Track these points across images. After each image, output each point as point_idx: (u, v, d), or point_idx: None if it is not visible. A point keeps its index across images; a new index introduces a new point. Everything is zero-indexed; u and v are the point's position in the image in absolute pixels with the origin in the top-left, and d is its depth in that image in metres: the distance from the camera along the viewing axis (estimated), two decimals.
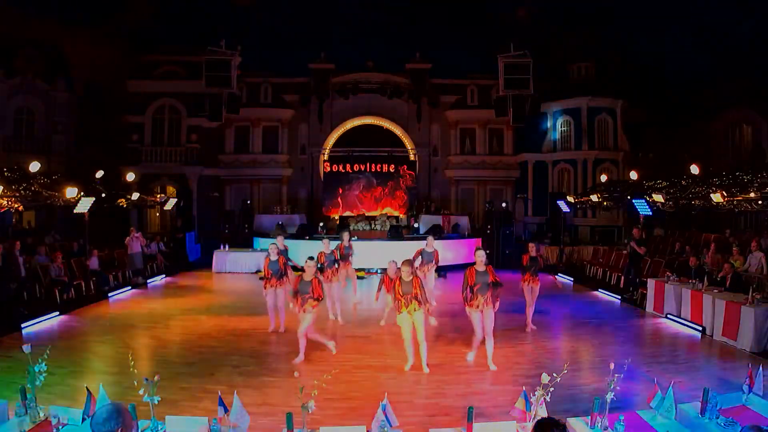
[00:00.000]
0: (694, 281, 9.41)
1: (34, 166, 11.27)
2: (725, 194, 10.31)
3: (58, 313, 9.46)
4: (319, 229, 18.05)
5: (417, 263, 9.80)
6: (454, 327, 8.99)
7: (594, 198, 15.86)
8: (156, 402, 3.81)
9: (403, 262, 6.67)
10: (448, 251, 15.87)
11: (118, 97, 20.30)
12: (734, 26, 15.88)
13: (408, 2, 22.27)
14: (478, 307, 6.48)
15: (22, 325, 8.43)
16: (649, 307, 10.22)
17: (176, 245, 17.15)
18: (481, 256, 6.61)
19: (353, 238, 14.90)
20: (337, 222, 19.35)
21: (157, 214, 20.66)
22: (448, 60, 21.96)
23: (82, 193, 12.14)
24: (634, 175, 15.18)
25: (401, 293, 6.45)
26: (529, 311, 8.60)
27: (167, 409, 4.65)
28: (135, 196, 15.48)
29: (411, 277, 6.47)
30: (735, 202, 10.52)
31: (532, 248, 8.83)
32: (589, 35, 20.22)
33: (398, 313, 6.55)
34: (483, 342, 6.62)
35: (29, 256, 11.25)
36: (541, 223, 21.05)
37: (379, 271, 10.52)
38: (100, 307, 10.48)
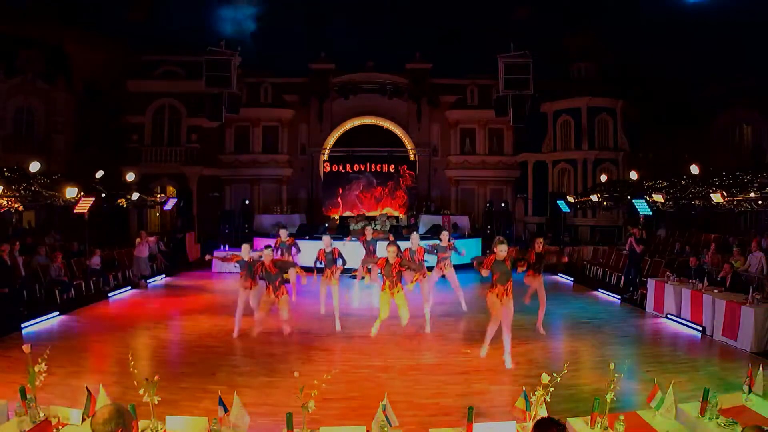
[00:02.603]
0: (694, 281, 9.41)
1: (34, 166, 11.27)
2: (725, 194, 10.31)
3: (58, 313, 9.46)
4: (322, 229, 18.03)
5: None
6: (455, 327, 9.01)
7: (594, 198, 15.86)
8: (156, 402, 3.82)
9: (388, 244, 7.21)
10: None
11: (118, 97, 20.29)
12: (734, 26, 15.87)
13: (408, 2, 22.27)
14: (498, 296, 6.57)
15: (22, 325, 8.44)
16: (649, 307, 10.23)
17: (176, 245, 17.15)
18: (503, 249, 6.51)
19: (352, 239, 14.89)
20: (337, 222, 19.35)
21: (157, 214, 20.66)
22: (448, 60, 21.96)
23: (82, 193, 12.13)
24: (634, 175, 15.18)
25: (385, 274, 7.07)
26: (541, 312, 8.32)
27: (167, 409, 4.65)
28: (135, 196, 15.48)
29: (394, 260, 6.99)
30: (735, 202, 10.52)
31: (539, 244, 8.37)
32: (589, 35, 20.21)
33: (381, 291, 7.18)
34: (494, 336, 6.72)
35: (29, 256, 11.24)
36: (541, 223, 21.04)
37: (379, 270, 10.52)
38: (100, 307, 10.49)
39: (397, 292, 7.17)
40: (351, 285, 12.61)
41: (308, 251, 14.01)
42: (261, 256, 7.94)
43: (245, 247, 8.32)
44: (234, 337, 8.13)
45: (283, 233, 10.79)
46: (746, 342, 7.58)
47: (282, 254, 10.26)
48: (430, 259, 9.51)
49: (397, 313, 7.48)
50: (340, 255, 8.88)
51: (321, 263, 8.91)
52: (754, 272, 10.38)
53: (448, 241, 9.60)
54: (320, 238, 15.63)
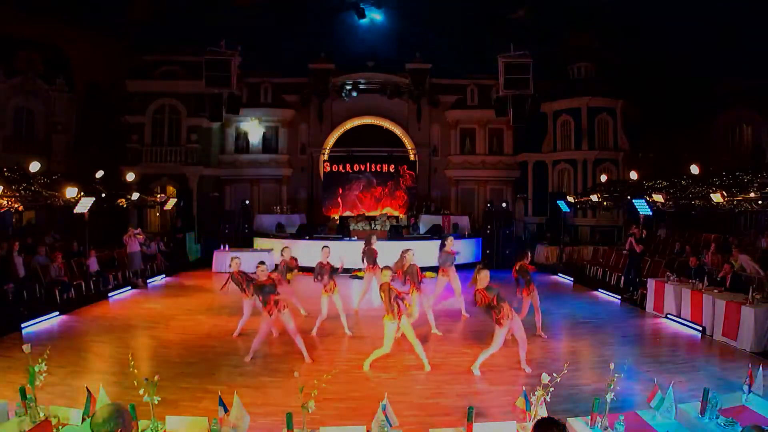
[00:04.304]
0: (694, 281, 9.42)
1: (34, 166, 11.26)
2: (725, 194, 10.30)
3: (58, 313, 9.47)
4: (320, 229, 18.04)
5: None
6: (454, 328, 9.01)
7: (594, 198, 15.86)
8: (156, 402, 3.82)
9: (383, 268, 6.62)
10: None
11: (118, 97, 20.27)
12: (734, 25, 15.85)
13: (408, 2, 22.24)
14: (508, 317, 6.26)
15: (22, 325, 8.44)
16: (649, 307, 10.23)
17: (176, 245, 17.15)
18: (485, 275, 6.22)
19: (352, 238, 14.89)
20: (337, 222, 19.35)
21: (157, 214, 20.64)
22: (448, 60, 21.91)
23: (82, 193, 12.13)
24: (634, 175, 15.18)
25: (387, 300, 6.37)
26: (538, 320, 8.34)
27: (167, 409, 4.65)
28: (135, 196, 15.47)
29: (383, 282, 6.38)
30: (735, 202, 10.51)
31: (527, 257, 8.35)
32: (589, 35, 20.19)
33: (388, 321, 6.45)
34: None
35: (29, 256, 11.24)
36: (541, 223, 21.04)
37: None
38: (100, 307, 10.49)
39: (400, 318, 6.39)
40: (350, 285, 12.61)
41: (308, 252, 14.01)
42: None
43: (234, 260, 8.40)
44: (234, 336, 8.16)
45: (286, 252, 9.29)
46: (746, 342, 7.58)
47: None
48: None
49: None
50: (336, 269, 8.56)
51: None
52: (752, 273, 10.36)
53: (452, 248, 9.50)
54: (321, 238, 15.69)
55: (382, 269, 6.62)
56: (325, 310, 8.36)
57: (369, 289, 10.30)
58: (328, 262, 8.40)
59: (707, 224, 16.65)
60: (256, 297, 7.14)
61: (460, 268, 10.50)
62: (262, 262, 7.03)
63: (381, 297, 6.43)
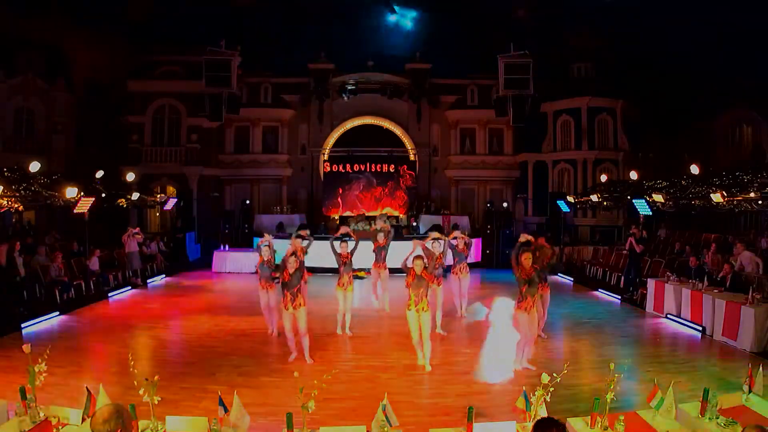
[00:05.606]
0: (694, 281, 9.42)
1: (34, 166, 11.26)
2: (725, 194, 10.30)
3: (58, 313, 9.47)
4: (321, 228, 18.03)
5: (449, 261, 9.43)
6: (454, 327, 9.01)
7: (594, 198, 15.85)
8: (156, 402, 3.82)
9: (415, 257, 6.60)
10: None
11: (118, 97, 20.27)
12: (735, 25, 15.86)
13: (408, 2, 22.25)
14: (526, 309, 6.41)
15: (22, 325, 8.44)
16: (649, 307, 10.23)
17: (176, 245, 17.15)
18: (529, 258, 6.35)
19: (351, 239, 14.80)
20: (337, 222, 19.35)
21: (157, 214, 20.65)
22: (448, 60, 21.92)
23: (82, 193, 12.13)
24: (634, 175, 15.18)
25: (412, 288, 6.48)
26: (541, 321, 8.20)
27: (167, 409, 4.65)
28: (135, 196, 15.48)
29: (422, 274, 6.45)
30: (735, 202, 10.51)
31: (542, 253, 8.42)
32: (589, 35, 20.20)
33: (407, 310, 6.54)
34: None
35: (29, 256, 11.24)
36: (541, 223, 21.03)
37: None
38: (100, 307, 10.49)
39: (423, 309, 6.47)
40: (353, 285, 12.57)
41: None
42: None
43: (264, 247, 8.14)
44: (272, 334, 8.14)
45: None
46: (746, 342, 7.58)
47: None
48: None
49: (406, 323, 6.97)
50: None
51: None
52: (751, 271, 10.34)
53: (464, 241, 9.38)
54: (321, 238, 15.66)
55: (414, 258, 6.57)
56: (342, 305, 8.35)
57: (377, 286, 10.29)
58: (347, 253, 8.43)
59: (707, 224, 16.64)
60: (281, 291, 6.87)
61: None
62: (293, 254, 6.82)
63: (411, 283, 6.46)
